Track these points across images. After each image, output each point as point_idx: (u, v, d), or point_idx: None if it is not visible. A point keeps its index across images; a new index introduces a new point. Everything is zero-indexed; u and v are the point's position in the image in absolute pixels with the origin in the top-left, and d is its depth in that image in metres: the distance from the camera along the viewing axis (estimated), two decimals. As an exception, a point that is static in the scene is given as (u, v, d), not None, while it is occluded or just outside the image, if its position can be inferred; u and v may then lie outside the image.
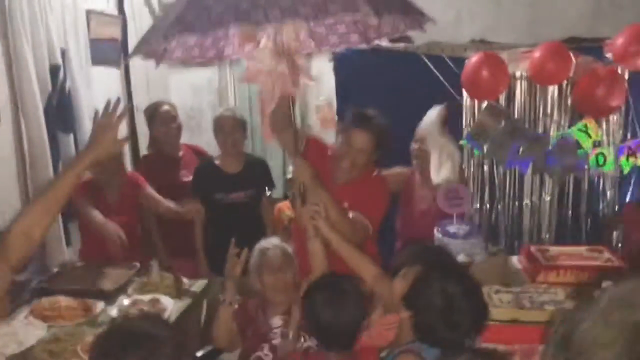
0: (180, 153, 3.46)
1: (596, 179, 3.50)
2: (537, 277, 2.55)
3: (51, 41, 3.06)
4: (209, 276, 3.03)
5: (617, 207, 3.49)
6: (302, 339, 2.16)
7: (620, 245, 3.22)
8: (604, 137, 3.38)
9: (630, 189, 3.55)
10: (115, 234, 2.82)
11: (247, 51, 2.10)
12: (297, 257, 2.39)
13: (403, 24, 2.14)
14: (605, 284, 1.99)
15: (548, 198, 3.57)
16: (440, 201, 2.83)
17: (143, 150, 3.82)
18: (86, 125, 3.25)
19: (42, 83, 2.99)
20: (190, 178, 3.31)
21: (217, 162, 3.26)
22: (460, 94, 3.47)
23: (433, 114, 3.10)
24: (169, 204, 3.11)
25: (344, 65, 3.72)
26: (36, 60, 2.94)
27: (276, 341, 2.22)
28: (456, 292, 1.60)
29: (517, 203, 3.62)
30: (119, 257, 2.87)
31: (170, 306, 2.58)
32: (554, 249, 2.77)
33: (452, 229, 2.80)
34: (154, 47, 2.02)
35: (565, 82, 3.36)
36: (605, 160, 3.29)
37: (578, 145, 3.27)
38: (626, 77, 3.27)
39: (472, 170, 3.58)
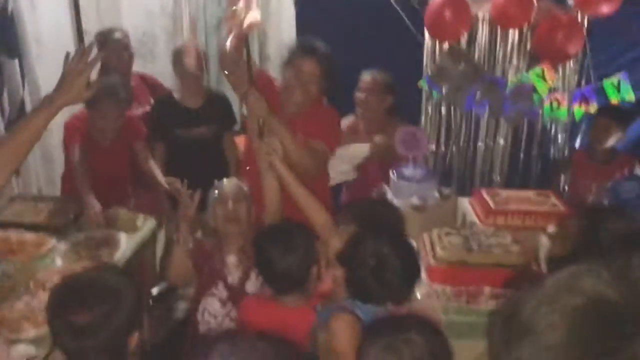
0: (132, 84, 3.32)
1: (549, 124, 3.57)
2: (486, 220, 2.66)
3: (-10, -42, 2.84)
4: (169, 213, 3.00)
5: (567, 152, 3.59)
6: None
7: (566, 189, 3.33)
8: (559, 83, 3.43)
9: (580, 135, 3.65)
10: (94, 213, 2.70)
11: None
12: (252, 195, 2.37)
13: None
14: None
15: (502, 141, 3.63)
16: (398, 144, 2.85)
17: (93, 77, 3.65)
18: (32, 50, 3.08)
19: (-18, 5, 2.80)
20: (140, 110, 3.20)
21: (176, 96, 3.16)
22: (422, 34, 3.43)
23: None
24: (157, 171, 3.00)
25: (304, -3, 3.62)
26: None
27: (231, 278, 2.25)
28: (389, 253, 1.67)
29: (471, 145, 3.68)
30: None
31: (124, 241, 2.56)
32: (504, 193, 2.87)
33: (407, 172, 2.84)
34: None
35: (526, 26, 3.36)
36: (559, 106, 3.35)
37: (534, 90, 3.31)
38: (585, 24, 3.29)
39: (429, 112, 3.59)
